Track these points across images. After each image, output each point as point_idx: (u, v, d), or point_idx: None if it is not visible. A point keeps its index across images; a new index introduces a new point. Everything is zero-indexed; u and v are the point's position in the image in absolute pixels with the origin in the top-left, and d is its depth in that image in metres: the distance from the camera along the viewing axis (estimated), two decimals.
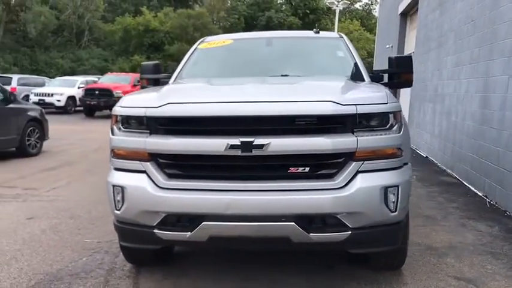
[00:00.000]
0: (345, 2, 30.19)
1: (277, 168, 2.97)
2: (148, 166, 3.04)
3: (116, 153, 3.23)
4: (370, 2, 60.88)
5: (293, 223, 2.88)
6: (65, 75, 33.14)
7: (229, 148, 2.86)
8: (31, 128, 9.61)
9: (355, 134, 2.91)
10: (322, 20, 55.63)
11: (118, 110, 3.21)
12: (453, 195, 6.40)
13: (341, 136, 2.90)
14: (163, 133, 3.02)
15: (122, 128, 3.17)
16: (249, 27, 50.87)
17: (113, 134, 3.21)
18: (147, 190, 3.00)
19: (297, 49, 4.80)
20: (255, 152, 2.86)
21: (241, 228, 2.93)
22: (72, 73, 37.15)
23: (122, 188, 3.10)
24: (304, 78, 4.00)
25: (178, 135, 2.98)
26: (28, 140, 9.52)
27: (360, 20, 53.88)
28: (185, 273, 3.77)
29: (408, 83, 4.43)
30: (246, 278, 3.65)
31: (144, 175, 3.06)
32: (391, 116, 3.01)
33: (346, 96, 2.99)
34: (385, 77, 4.36)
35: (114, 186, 3.17)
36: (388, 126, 3.00)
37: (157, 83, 4.48)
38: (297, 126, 2.92)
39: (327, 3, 34.25)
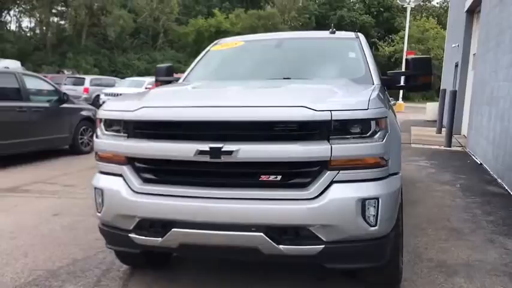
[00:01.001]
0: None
1: (248, 175, 2.85)
2: (124, 170, 3.04)
3: (99, 156, 3.26)
4: None
5: (261, 234, 2.75)
6: (140, 75, 34.58)
7: (198, 154, 2.78)
8: (84, 127, 10.06)
9: (330, 141, 2.72)
10: (396, 18, 53.94)
11: (101, 113, 3.24)
12: (494, 207, 5.87)
13: (314, 143, 2.72)
14: (139, 137, 3.01)
15: (104, 131, 3.20)
16: (320, 27, 50.37)
17: (96, 137, 3.24)
18: (122, 194, 3.00)
19: (307, 50, 4.61)
20: (224, 159, 2.76)
21: (210, 236, 2.84)
22: (147, 74, 38.61)
23: (102, 191, 3.13)
24: (299, 81, 3.83)
25: (151, 139, 2.96)
26: (81, 139, 9.99)
27: (436, 18, 51.50)
28: (176, 279, 3.73)
29: (426, 86, 4.15)
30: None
31: (121, 179, 3.07)
32: (372, 122, 2.79)
33: (322, 101, 2.80)
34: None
35: (95, 188, 3.22)
36: (369, 133, 2.77)
37: None
38: (267, 132, 2.79)
39: (398, 1, 33.02)
